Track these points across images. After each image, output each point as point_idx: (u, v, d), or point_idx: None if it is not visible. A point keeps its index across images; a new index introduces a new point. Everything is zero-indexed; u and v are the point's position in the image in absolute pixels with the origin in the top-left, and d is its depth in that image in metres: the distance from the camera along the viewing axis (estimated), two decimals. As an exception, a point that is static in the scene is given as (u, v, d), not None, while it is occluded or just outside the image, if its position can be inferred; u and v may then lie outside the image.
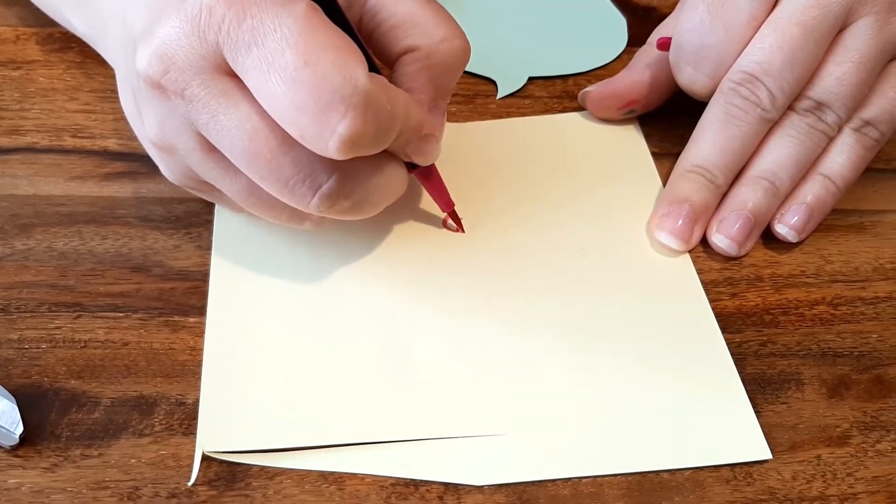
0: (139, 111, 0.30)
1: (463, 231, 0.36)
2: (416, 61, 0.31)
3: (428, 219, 0.37)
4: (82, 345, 0.31)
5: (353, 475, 0.29)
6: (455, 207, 0.35)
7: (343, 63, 0.26)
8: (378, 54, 0.32)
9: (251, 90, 0.27)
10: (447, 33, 0.31)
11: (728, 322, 0.34)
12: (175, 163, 0.31)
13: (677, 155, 0.38)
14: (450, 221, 0.36)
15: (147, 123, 0.29)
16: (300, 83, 0.25)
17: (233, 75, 0.27)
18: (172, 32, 0.27)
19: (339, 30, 0.27)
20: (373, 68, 0.27)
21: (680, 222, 0.36)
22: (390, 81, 0.29)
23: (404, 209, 0.37)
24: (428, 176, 0.34)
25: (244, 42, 0.26)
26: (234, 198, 0.31)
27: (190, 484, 0.28)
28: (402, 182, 0.31)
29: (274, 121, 0.27)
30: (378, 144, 0.28)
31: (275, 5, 0.26)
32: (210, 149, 0.29)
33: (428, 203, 0.37)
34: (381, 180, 0.30)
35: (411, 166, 0.32)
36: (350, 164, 0.29)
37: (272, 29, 0.26)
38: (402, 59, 0.31)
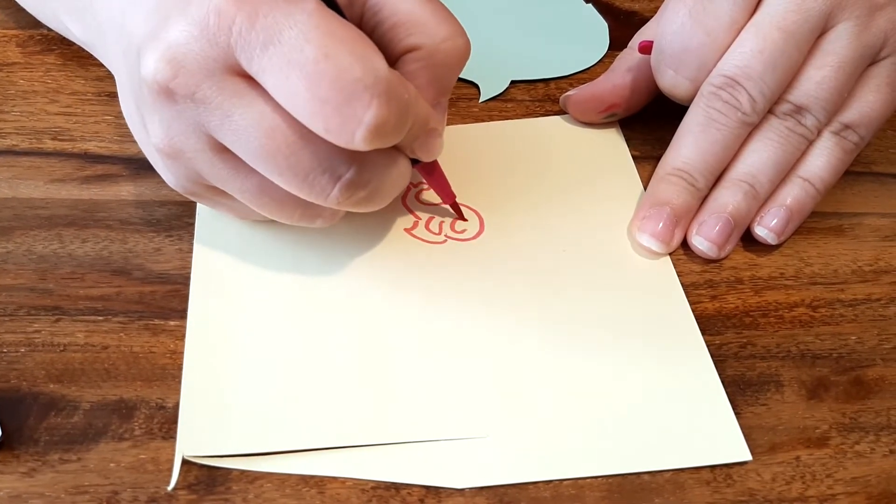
0: (142, 117, 0.30)
1: (465, 220, 0.37)
2: (418, 60, 0.31)
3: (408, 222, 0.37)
4: (61, 349, 0.31)
5: (334, 478, 0.29)
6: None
7: (362, 53, 0.26)
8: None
9: (269, 89, 0.26)
10: (449, 32, 0.31)
11: (708, 324, 0.34)
12: (181, 168, 0.30)
13: (658, 158, 0.38)
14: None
15: (152, 129, 0.29)
16: (322, 76, 0.25)
17: (243, 75, 0.27)
18: (180, 37, 0.26)
19: (349, 23, 0.27)
20: None
21: (661, 225, 0.36)
22: None
23: (386, 213, 0.37)
24: (431, 170, 0.35)
25: (259, 42, 0.26)
26: (244, 199, 0.31)
27: (170, 488, 0.28)
28: (409, 174, 0.32)
29: (290, 117, 0.27)
30: (398, 134, 0.28)
31: (285, 3, 0.26)
32: (220, 150, 0.29)
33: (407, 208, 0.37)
34: (395, 171, 0.30)
35: (414, 161, 0.32)
36: (366, 155, 0.29)
37: (287, 26, 0.26)
38: (404, 58, 0.31)
